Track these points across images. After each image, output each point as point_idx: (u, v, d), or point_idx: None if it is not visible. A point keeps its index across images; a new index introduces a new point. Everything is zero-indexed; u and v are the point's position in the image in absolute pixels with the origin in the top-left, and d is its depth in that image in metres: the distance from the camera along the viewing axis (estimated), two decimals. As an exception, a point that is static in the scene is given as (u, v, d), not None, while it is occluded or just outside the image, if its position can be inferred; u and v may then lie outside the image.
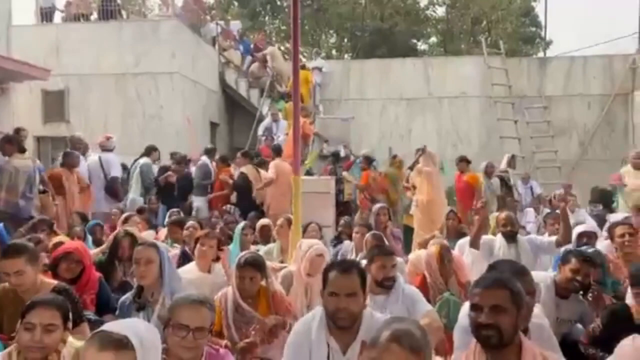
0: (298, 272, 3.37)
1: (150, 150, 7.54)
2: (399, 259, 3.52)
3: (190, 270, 3.58)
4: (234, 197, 7.10)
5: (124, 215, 5.26)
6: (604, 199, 7.87)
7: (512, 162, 8.19)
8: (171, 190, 7.21)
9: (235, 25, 13.38)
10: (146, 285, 2.81)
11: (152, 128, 9.69)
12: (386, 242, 4.22)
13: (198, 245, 3.62)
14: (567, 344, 2.58)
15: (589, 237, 4.09)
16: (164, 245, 3.31)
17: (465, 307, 2.70)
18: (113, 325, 1.63)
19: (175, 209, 6.16)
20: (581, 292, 3.02)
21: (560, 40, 24.75)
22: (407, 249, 5.25)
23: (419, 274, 3.68)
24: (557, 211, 6.33)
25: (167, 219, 5.88)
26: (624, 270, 3.48)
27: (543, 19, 15.46)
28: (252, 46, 12.66)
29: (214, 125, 11.62)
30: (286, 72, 11.92)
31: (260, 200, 7.02)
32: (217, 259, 3.68)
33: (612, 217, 5.80)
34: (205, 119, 11.16)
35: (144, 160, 7.35)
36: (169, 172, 7.23)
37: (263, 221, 5.30)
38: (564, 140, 11.91)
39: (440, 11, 20.35)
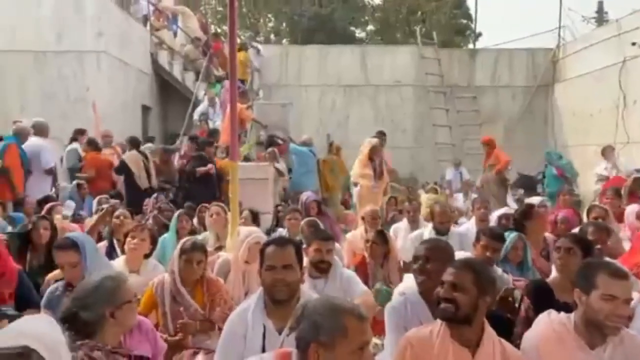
0: (235, 260, 3.35)
1: (77, 134, 7.21)
2: (337, 245, 3.61)
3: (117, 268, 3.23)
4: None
5: (47, 205, 4.93)
6: (525, 184, 8.47)
7: None
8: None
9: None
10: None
11: (76, 111, 9.08)
12: (322, 227, 4.29)
13: (128, 239, 3.35)
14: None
15: (507, 219, 4.44)
16: (85, 238, 2.94)
17: (397, 289, 2.82)
18: (6, 335, 1.30)
19: (104, 196, 5.83)
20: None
21: (489, 33, 26.14)
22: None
23: (358, 254, 3.87)
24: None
25: (95, 206, 5.60)
26: None
27: (474, 11, 16.14)
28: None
29: (146, 109, 11.11)
30: (198, 34, 11.54)
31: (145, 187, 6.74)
32: (149, 254, 3.44)
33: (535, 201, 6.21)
34: (137, 102, 10.62)
35: (71, 146, 7.10)
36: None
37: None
38: (490, 128, 12.57)
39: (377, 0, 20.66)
